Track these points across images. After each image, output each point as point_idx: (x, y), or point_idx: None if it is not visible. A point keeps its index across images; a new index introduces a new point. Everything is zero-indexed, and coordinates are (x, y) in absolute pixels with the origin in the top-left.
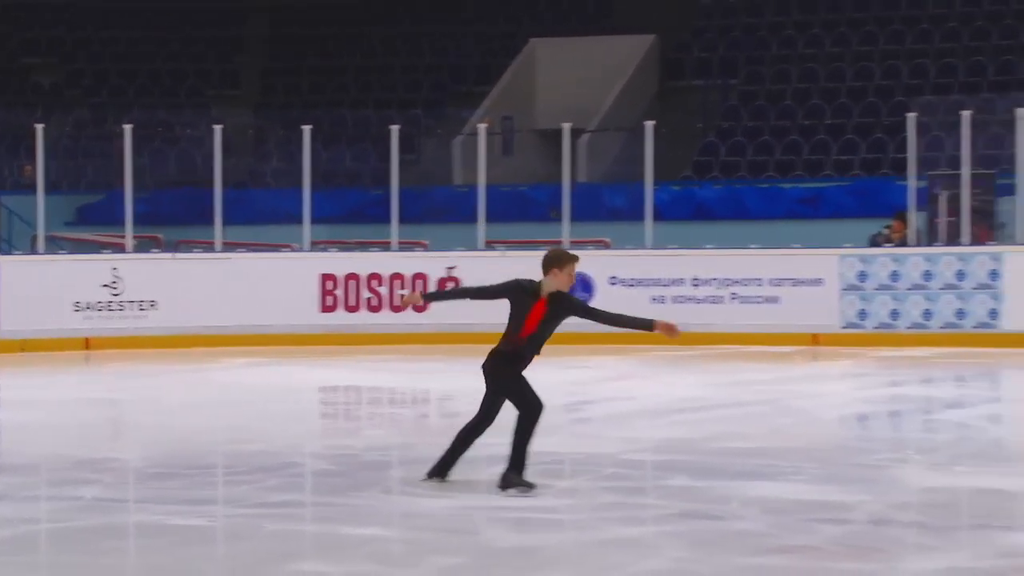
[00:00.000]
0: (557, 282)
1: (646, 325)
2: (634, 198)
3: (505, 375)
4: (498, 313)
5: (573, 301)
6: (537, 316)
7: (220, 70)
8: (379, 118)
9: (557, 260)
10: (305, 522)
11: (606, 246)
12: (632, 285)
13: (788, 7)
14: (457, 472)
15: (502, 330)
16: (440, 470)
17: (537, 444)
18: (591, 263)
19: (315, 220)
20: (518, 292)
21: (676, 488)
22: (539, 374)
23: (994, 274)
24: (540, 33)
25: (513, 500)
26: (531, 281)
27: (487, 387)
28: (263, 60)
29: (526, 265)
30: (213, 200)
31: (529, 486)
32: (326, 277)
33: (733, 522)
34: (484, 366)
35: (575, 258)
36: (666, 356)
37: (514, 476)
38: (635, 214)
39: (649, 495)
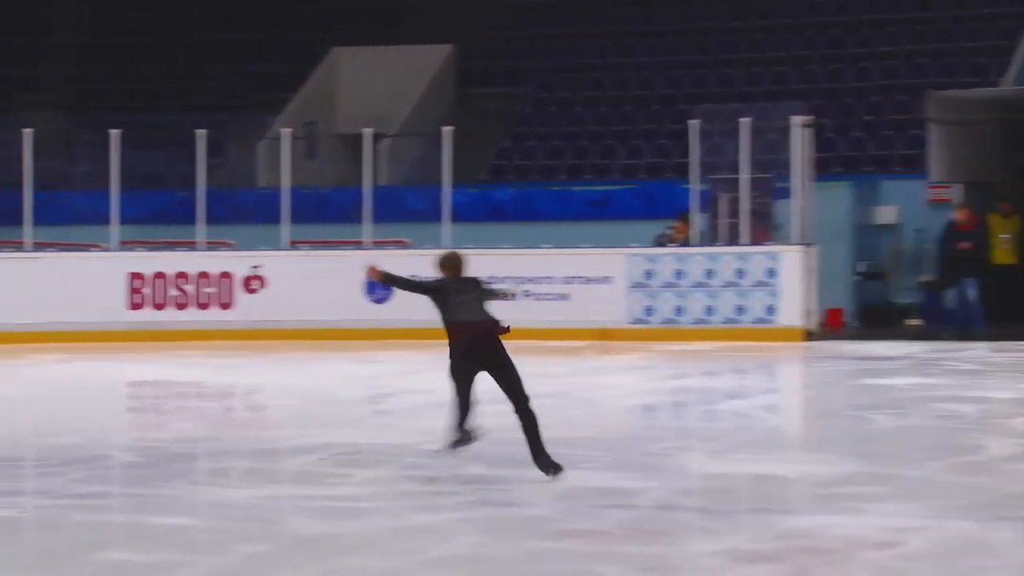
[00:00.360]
0: None
1: None
2: (433, 200)
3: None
4: (300, 310)
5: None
6: None
7: (28, 74)
8: (186, 122)
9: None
10: (113, 512)
11: (406, 246)
12: None
13: (577, 19)
14: (261, 462)
15: (303, 326)
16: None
17: (338, 435)
18: (392, 263)
19: (124, 221)
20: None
21: (471, 476)
22: (338, 368)
23: (771, 272)
24: (342, 42)
25: (316, 489)
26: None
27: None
28: (73, 65)
29: (330, 264)
30: (23, 202)
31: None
32: (134, 276)
33: (525, 508)
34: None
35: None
36: None
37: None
38: (434, 215)
39: (446, 484)
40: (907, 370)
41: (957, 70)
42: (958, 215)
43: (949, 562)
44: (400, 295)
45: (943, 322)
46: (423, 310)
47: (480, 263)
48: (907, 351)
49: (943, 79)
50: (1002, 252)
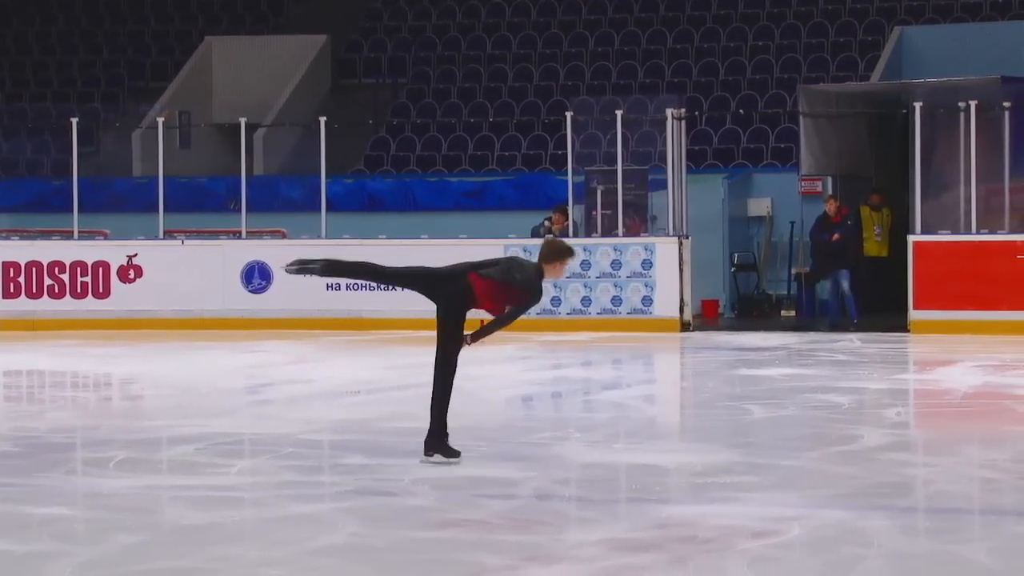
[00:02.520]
0: None
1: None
2: (309, 190)
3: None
4: (177, 299)
5: None
6: None
7: None
8: (59, 111)
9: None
10: None
11: (283, 236)
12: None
13: (452, 11)
14: (139, 452)
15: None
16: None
17: (218, 425)
18: (268, 252)
19: None
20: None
21: (351, 466)
22: (217, 357)
23: (647, 264)
24: (216, 31)
25: (195, 479)
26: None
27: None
28: None
29: (206, 253)
30: None
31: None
32: (8, 265)
33: (405, 498)
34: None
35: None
36: (340, 341)
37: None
38: (310, 205)
39: (326, 473)
40: (781, 361)
41: (828, 64)
42: (828, 207)
43: (825, 550)
44: (276, 284)
45: (816, 314)
46: (302, 300)
47: (357, 254)
48: (781, 342)
49: (814, 73)
50: (873, 244)
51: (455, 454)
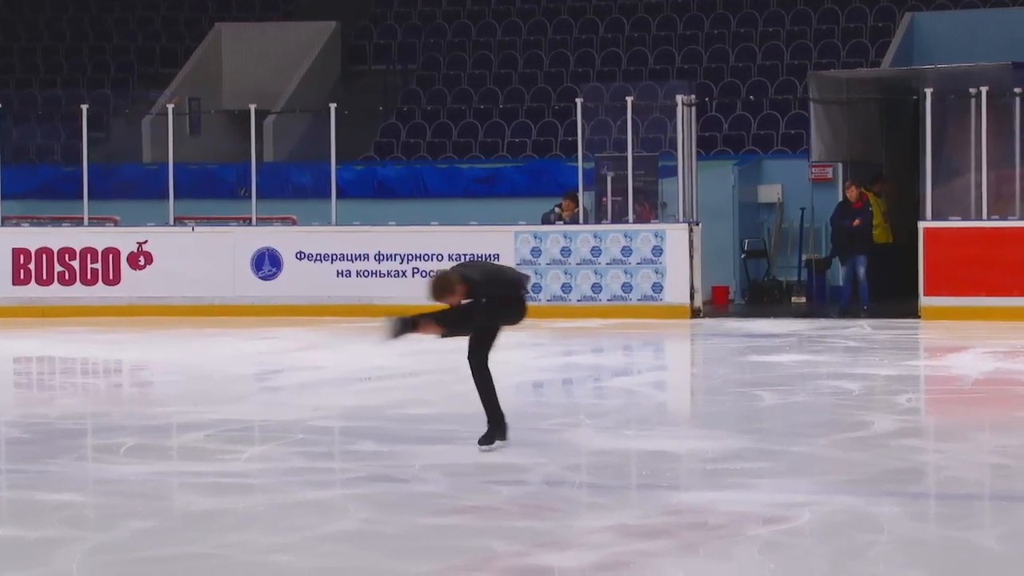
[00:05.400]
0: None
1: None
2: (319, 177)
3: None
4: (187, 286)
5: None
6: None
7: None
8: (68, 97)
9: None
10: (0, 488)
11: (293, 222)
12: (318, 260)
13: None
14: (149, 438)
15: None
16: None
17: (228, 412)
18: (279, 239)
19: (7, 196)
20: None
21: (362, 453)
22: (226, 344)
23: (657, 250)
24: (226, 18)
25: (205, 466)
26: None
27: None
28: None
29: (216, 240)
30: None
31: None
32: (18, 251)
33: (416, 484)
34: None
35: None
36: (351, 327)
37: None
38: (320, 192)
39: (337, 460)
40: (792, 347)
41: (838, 50)
42: (848, 193)
43: (836, 536)
44: (286, 270)
45: (826, 300)
46: (312, 287)
47: (367, 240)
48: (791, 328)
49: (825, 59)
50: (881, 231)
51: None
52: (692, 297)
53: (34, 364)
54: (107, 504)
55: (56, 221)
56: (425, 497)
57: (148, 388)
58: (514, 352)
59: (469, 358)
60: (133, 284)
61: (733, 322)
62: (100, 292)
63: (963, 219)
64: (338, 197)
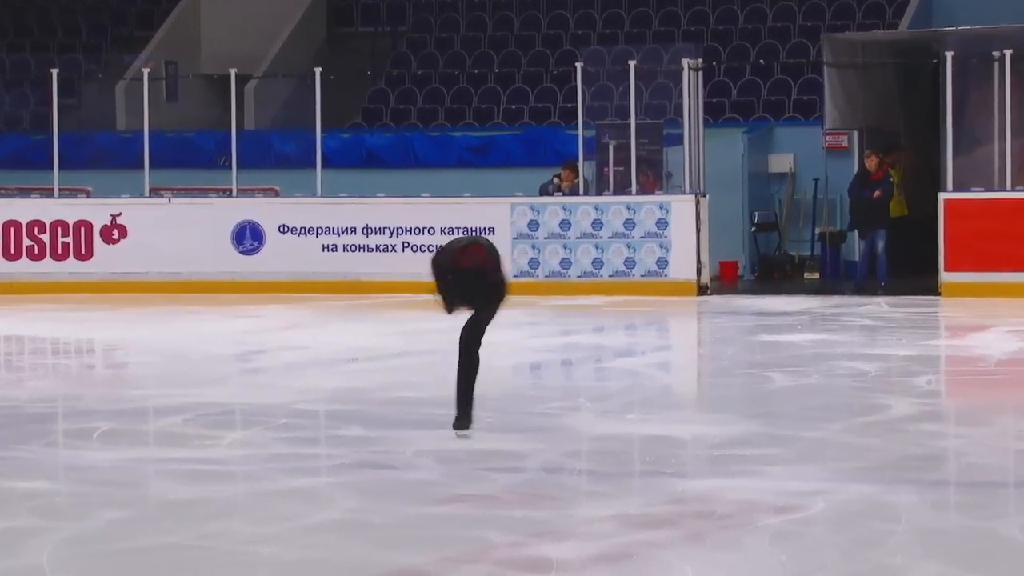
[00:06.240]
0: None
1: None
2: (303, 145)
3: None
4: (163, 261)
5: None
6: None
7: None
8: (38, 62)
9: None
10: None
11: (276, 194)
12: (303, 234)
13: None
14: (124, 423)
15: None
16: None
17: (208, 394)
18: (260, 211)
19: None
20: None
21: (350, 438)
22: (205, 323)
23: (662, 223)
24: None
25: (183, 452)
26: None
27: None
28: None
29: (194, 212)
30: None
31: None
32: None
33: (407, 472)
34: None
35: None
36: (338, 305)
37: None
38: (305, 161)
39: (322, 445)
40: (804, 326)
41: (854, 12)
42: (868, 163)
43: (851, 526)
44: (269, 244)
45: (841, 275)
46: (296, 262)
47: (355, 212)
48: (804, 306)
49: (839, 21)
50: (897, 203)
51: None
52: (699, 273)
53: (1, 344)
54: (80, 492)
55: (24, 192)
56: (416, 485)
57: (123, 369)
58: (510, 331)
59: (468, 338)
60: (106, 259)
61: (742, 299)
62: (71, 268)
63: (986, 190)
64: (323, 167)
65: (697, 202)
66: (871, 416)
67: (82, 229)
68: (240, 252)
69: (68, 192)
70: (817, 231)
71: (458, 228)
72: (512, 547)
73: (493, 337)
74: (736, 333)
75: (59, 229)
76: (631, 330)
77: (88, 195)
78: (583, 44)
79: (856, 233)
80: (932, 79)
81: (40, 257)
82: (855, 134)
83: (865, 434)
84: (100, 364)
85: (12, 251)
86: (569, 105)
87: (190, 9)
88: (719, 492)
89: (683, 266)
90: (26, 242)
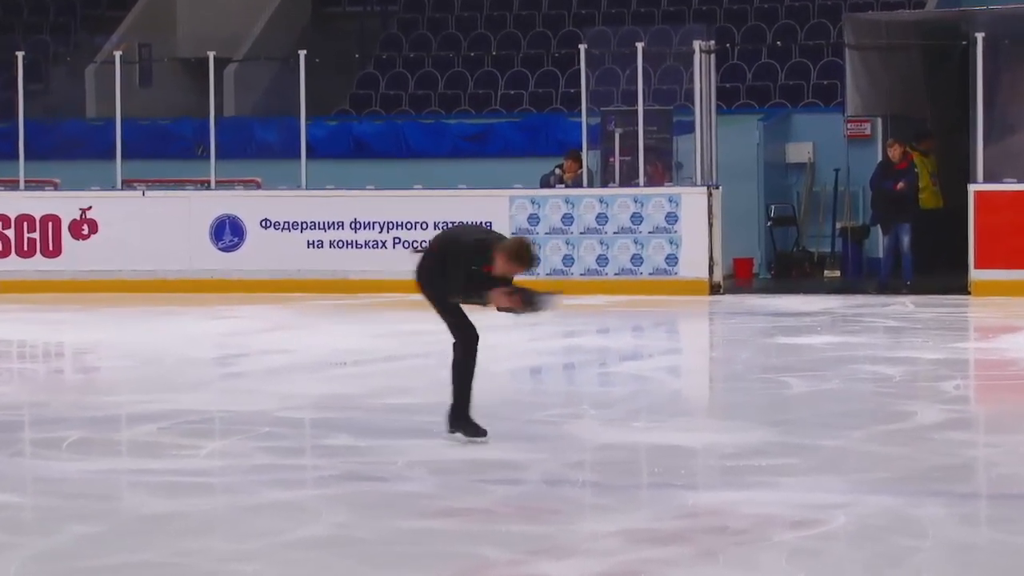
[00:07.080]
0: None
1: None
2: (287, 133)
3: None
4: (137, 258)
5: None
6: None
7: None
8: (2, 43)
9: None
10: None
11: (257, 186)
12: (286, 229)
13: None
14: (96, 432)
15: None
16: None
17: (185, 401)
18: (241, 204)
19: None
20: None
21: (337, 448)
22: (183, 324)
23: (671, 217)
24: None
25: (158, 463)
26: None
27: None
28: None
29: (170, 206)
30: None
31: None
32: None
33: (398, 483)
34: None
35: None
36: (325, 305)
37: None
38: (288, 151)
39: (308, 456)
40: (824, 327)
41: None
42: (891, 152)
43: (874, 542)
44: (250, 240)
45: (863, 273)
46: (279, 259)
47: (342, 206)
48: (824, 306)
49: (862, 0)
50: (930, 195)
51: (480, 432)
52: (711, 271)
53: None
54: (48, 506)
55: None
56: (408, 498)
57: (94, 374)
58: (508, 333)
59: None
60: (75, 256)
61: (757, 299)
62: (38, 265)
63: (1018, 181)
64: (308, 157)
65: (709, 194)
66: (895, 424)
67: (49, 224)
68: (219, 248)
69: (34, 184)
70: (838, 226)
71: (453, 222)
72: (510, 565)
73: (489, 339)
74: (751, 335)
75: (25, 224)
76: (638, 332)
77: (56, 187)
78: (587, 25)
79: (879, 228)
80: (961, 62)
81: (4, 254)
82: (878, 121)
83: (889, 443)
84: (70, 368)
85: None
86: (572, 90)
87: None
88: (732, 506)
89: (694, 263)
90: None
